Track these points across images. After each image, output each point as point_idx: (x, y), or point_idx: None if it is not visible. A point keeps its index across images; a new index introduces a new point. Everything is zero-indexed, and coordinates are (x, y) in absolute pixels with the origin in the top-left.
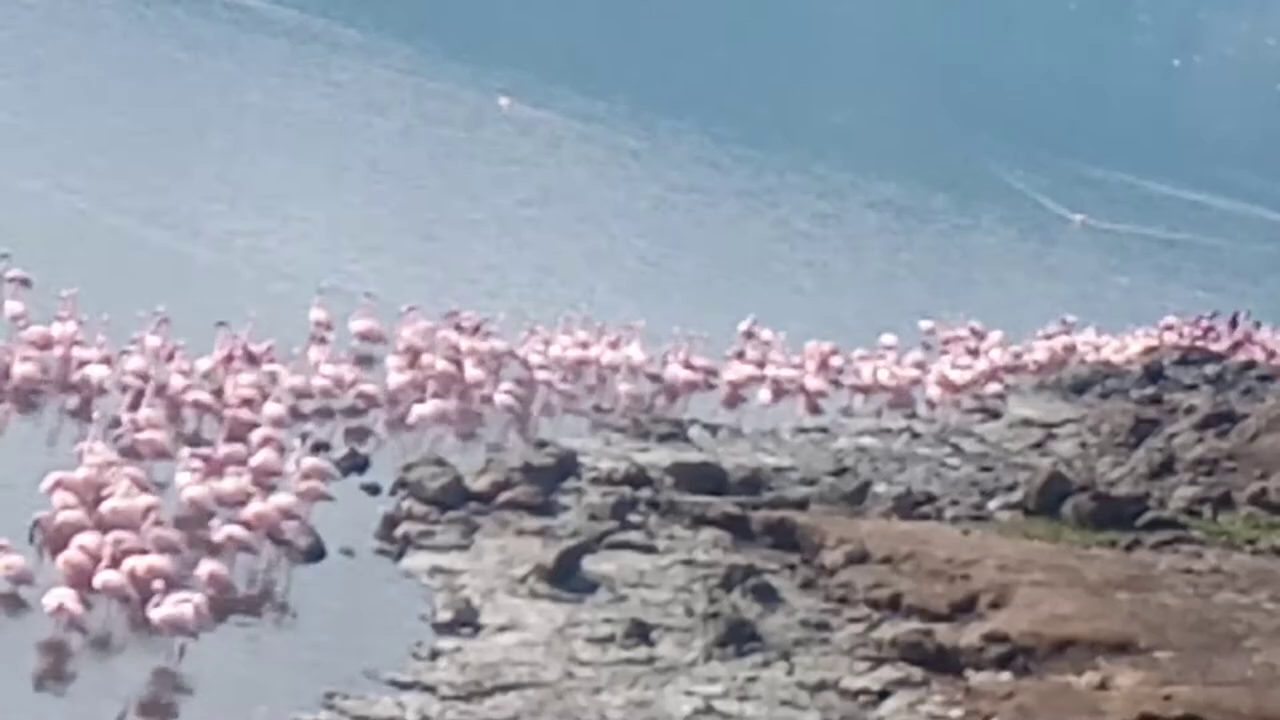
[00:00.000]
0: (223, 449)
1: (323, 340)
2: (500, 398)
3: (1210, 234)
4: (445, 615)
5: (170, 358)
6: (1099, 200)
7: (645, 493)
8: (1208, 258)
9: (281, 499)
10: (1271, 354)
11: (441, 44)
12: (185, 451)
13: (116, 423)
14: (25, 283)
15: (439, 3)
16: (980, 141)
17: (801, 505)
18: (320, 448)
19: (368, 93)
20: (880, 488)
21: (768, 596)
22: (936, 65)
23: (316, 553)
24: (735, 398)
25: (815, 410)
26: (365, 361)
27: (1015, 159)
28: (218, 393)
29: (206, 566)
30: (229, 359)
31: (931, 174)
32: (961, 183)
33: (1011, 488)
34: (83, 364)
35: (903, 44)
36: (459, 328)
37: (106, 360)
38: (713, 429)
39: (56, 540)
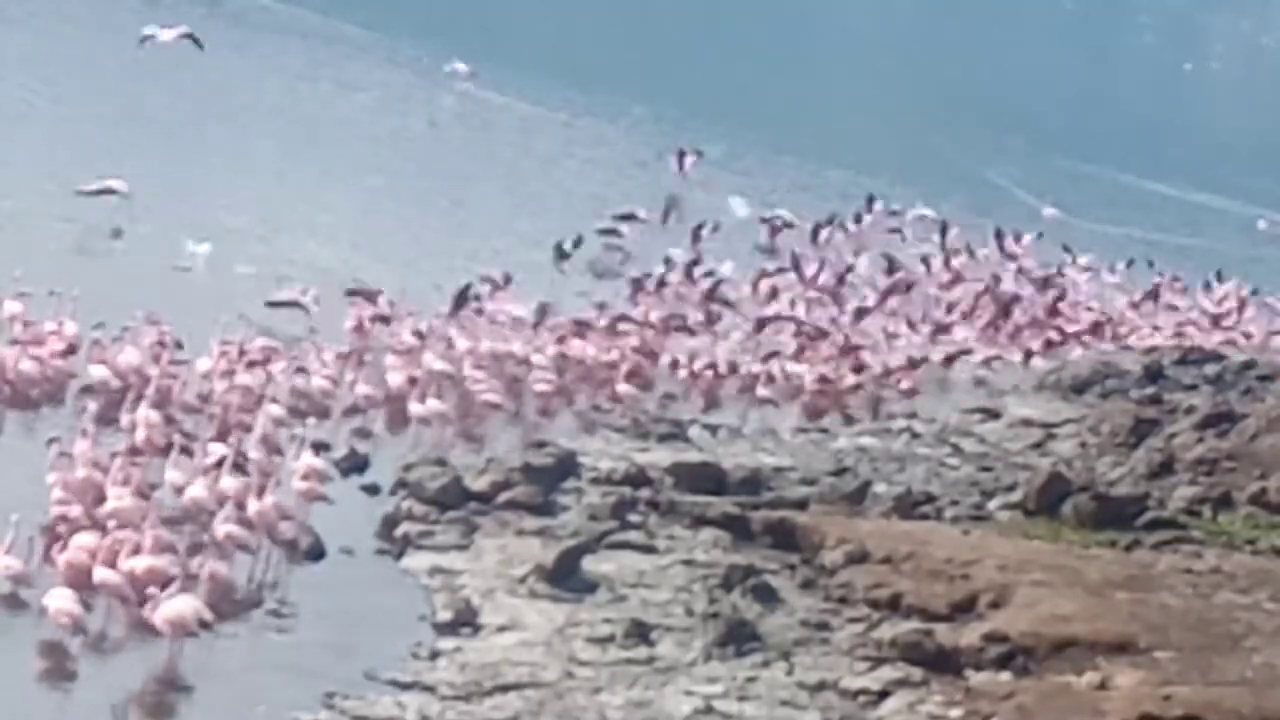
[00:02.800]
0: (217, 448)
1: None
2: (488, 396)
3: (1197, 234)
4: (445, 615)
5: (162, 359)
6: (1089, 198)
7: (645, 493)
8: (1184, 255)
9: (280, 499)
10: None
11: (453, 45)
12: (177, 450)
13: (114, 422)
14: None
15: (449, 3)
16: (968, 137)
17: (801, 505)
18: (320, 448)
19: (372, 92)
20: (880, 488)
21: (768, 596)
22: (929, 63)
23: (316, 553)
24: (713, 396)
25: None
26: (364, 361)
27: (1003, 156)
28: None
29: (206, 566)
30: (227, 359)
31: (912, 168)
32: (942, 177)
33: (1011, 488)
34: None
35: (894, 41)
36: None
37: (104, 360)
38: (713, 429)
39: (56, 540)
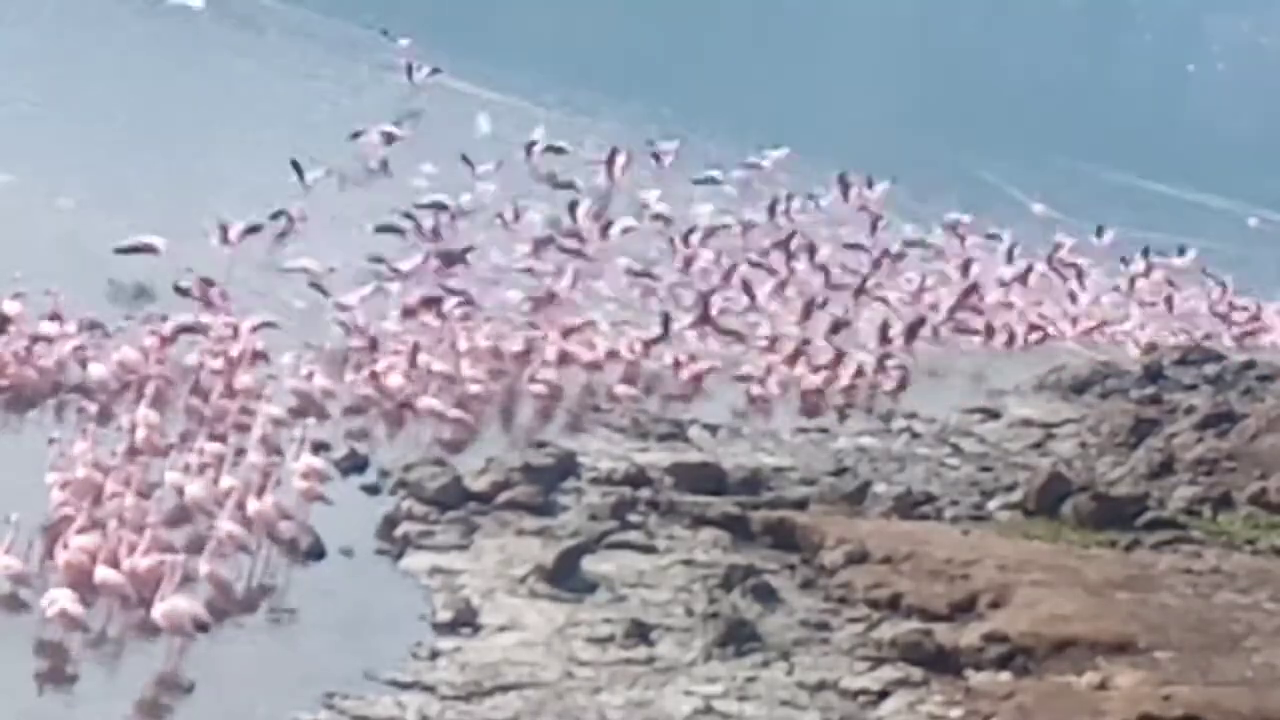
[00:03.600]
0: (214, 448)
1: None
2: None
3: (1190, 232)
4: (445, 615)
5: (161, 360)
6: (1083, 197)
7: (645, 493)
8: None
9: (280, 498)
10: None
11: (455, 44)
12: (176, 450)
13: (109, 420)
14: None
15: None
16: (964, 135)
17: (801, 505)
18: (320, 448)
19: (374, 91)
20: (880, 488)
21: (768, 596)
22: (927, 61)
23: (316, 553)
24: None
25: (815, 411)
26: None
27: (998, 153)
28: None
29: (206, 566)
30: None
31: (906, 165)
32: (935, 174)
33: (1011, 488)
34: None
35: (891, 39)
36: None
37: (101, 359)
38: (713, 429)
39: (56, 540)
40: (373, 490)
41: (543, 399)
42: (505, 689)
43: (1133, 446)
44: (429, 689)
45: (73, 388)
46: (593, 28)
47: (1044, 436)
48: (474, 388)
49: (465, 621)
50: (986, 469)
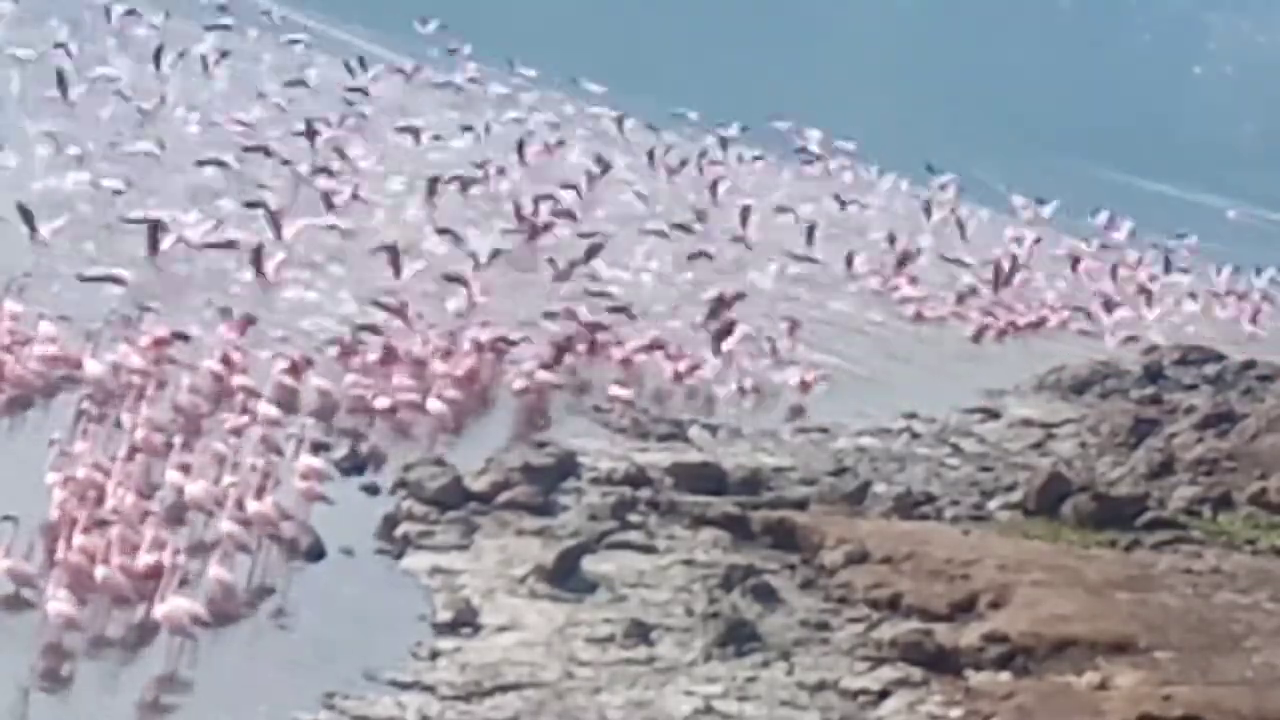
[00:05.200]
0: (213, 447)
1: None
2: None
3: (1176, 228)
4: (445, 615)
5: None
6: (1073, 194)
7: (645, 493)
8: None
9: (280, 498)
10: None
11: (463, 35)
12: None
13: (104, 419)
14: None
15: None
16: (958, 132)
17: (801, 505)
18: (320, 448)
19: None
20: (880, 488)
21: (768, 596)
22: (924, 59)
23: (316, 553)
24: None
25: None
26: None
27: (990, 150)
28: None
29: (214, 570)
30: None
31: (900, 162)
32: (922, 168)
33: (1011, 488)
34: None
35: (890, 38)
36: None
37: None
38: (712, 429)
39: (56, 540)
40: (373, 490)
41: (527, 397)
42: (505, 689)
43: (1133, 446)
44: (429, 689)
45: (72, 388)
46: (591, 24)
47: (1044, 436)
48: (450, 391)
49: (465, 621)
50: (986, 469)
